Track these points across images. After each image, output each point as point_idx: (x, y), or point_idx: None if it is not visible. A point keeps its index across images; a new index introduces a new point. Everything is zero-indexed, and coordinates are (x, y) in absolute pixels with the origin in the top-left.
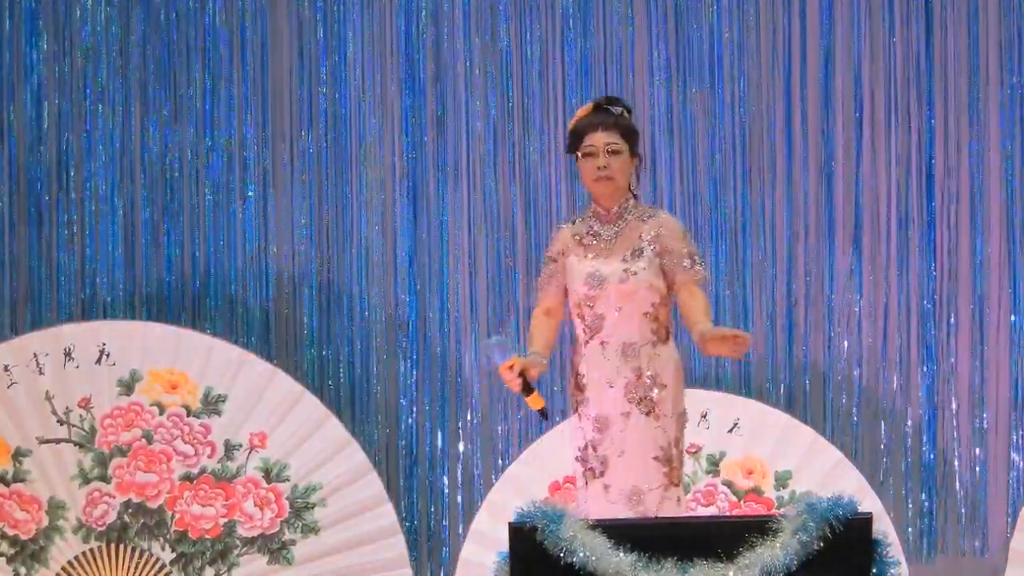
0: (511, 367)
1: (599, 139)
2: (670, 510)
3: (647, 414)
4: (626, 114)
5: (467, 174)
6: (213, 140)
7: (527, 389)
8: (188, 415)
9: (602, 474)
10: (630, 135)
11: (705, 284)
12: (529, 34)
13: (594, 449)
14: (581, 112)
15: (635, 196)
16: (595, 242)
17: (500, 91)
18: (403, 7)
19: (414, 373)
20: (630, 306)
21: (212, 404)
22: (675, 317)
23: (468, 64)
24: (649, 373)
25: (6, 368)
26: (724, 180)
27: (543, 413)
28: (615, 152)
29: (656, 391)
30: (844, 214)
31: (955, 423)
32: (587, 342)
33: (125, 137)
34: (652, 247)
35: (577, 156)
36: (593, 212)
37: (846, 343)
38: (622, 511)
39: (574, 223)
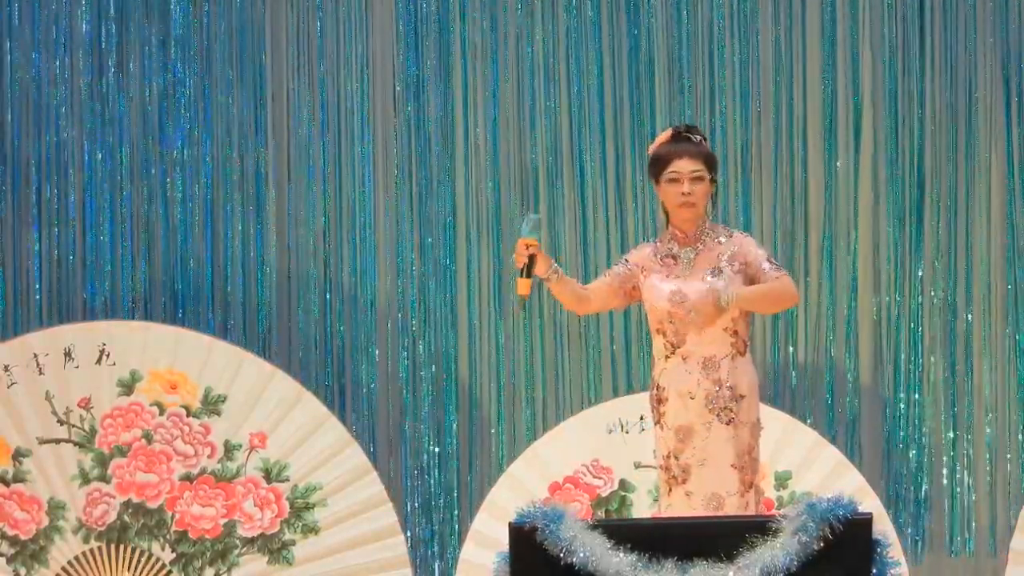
0: (528, 245)
1: (684, 166)
2: (749, 512)
3: (727, 424)
4: (705, 142)
5: (469, 173)
6: (213, 139)
7: (527, 272)
8: (188, 415)
9: (684, 481)
10: (711, 163)
11: (788, 275)
12: (529, 35)
13: (676, 458)
14: (662, 138)
15: (709, 217)
16: (674, 263)
17: (502, 92)
18: (405, 5)
19: (414, 373)
20: (712, 321)
21: (212, 404)
22: (752, 331)
23: (470, 64)
24: (729, 384)
25: (6, 368)
26: (724, 178)
27: (522, 301)
28: (698, 179)
29: (735, 402)
30: (844, 213)
31: (955, 423)
32: (668, 356)
33: (125, 136)
34: (731, 265)
35: (658, 181)
36: (671, 235)
37: (846, 343)
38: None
39: (652, 245)
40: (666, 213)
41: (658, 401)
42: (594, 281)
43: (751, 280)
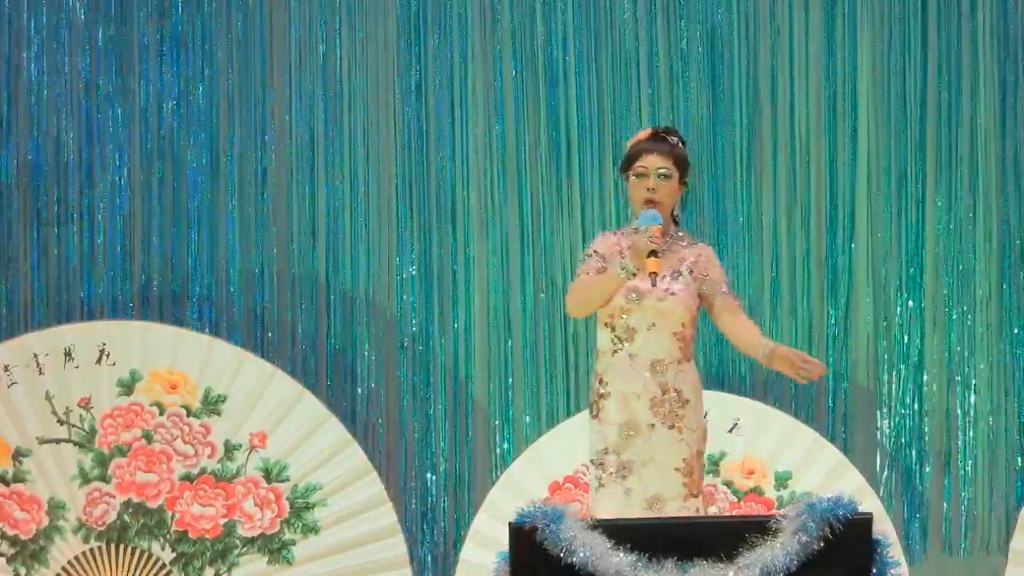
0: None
1: (652, 162)
2: None
3: (671, 427)
4: (681, 144)
5: (469, 173)
6: (213, 139)
7: (655, 253)
8: (188, 415)
9: (624, 478)
10: (682, 164)
11: (745, 308)
12: (529, 35)
13: (617, 454)
14: (639, 136)
15: (676, 222)
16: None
17: (503, 92)
18: (403, 5)
19: (414, 373)
20: (663, 324)
21: (212, 404)
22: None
23: (471, 64)
24: (675, 388)
25: (6, 368)
26: (723, 178)
27: (653, 277)
28: (665, 176)
29: (680, 406)
30: (843, 213)
31: (955, 423)
32: (615, 352)
33: (125, 137)
34: (691, 272)
35: (628, 176)
36: (634, 230)
37: (846, 343)
38: (640, 516)
39: (615, 235)
40: (633, 210)
41: (600, 395)
42: (580, 280)
43: (700, 293)
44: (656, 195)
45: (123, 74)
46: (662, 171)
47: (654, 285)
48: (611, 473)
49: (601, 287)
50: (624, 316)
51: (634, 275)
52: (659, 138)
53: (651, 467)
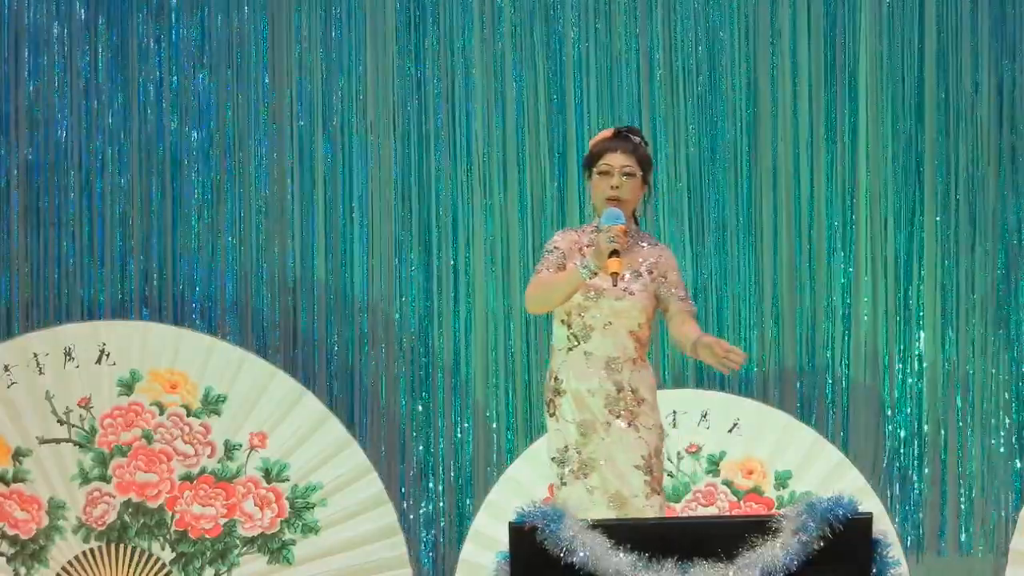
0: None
1: (616, 160)
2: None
3: (628, 425)
4: (644, 144)
5: (468, 173)
6: (213, 139)
7: (617, 253)
8: (188, 415)
9: (586, 476)
10: (645, 163)
11: (696, 316)
12: (529, 35)
13: (578, 452)
14: (601, 135)
15: (637, 222)
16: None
17: (504, 91)
18: (405, 6)
19: (414, 373)
20: (620, 323)
21: (212, 404)
22: (654, 338)
23: (472, 67)
24: (631, 387)
25: (6, 368)
26: (723, 179)
27: (614, 277)
28: (629, 175)
29: (636, 405)
30: (843, 213)
31: (955, 423)
32: (570, 349)
33: (125, 137)
34: (650, 272)
35: (591, 173)
36: (596, 228)
37: (846, 343)
38: (603, 514)
39: (576, 231)
40: (596, 209)
41: (555, 393)
42: (540, 276)
43: (657, 295)
44: (620, 192)
45: (123, 74)
46: (627, 169)
47: (615, 285)
48: (573, 471)
49: (563, 286)
50: (581, 314)
51: (595, 274)
52: (623, 137)
53: (612, 465)
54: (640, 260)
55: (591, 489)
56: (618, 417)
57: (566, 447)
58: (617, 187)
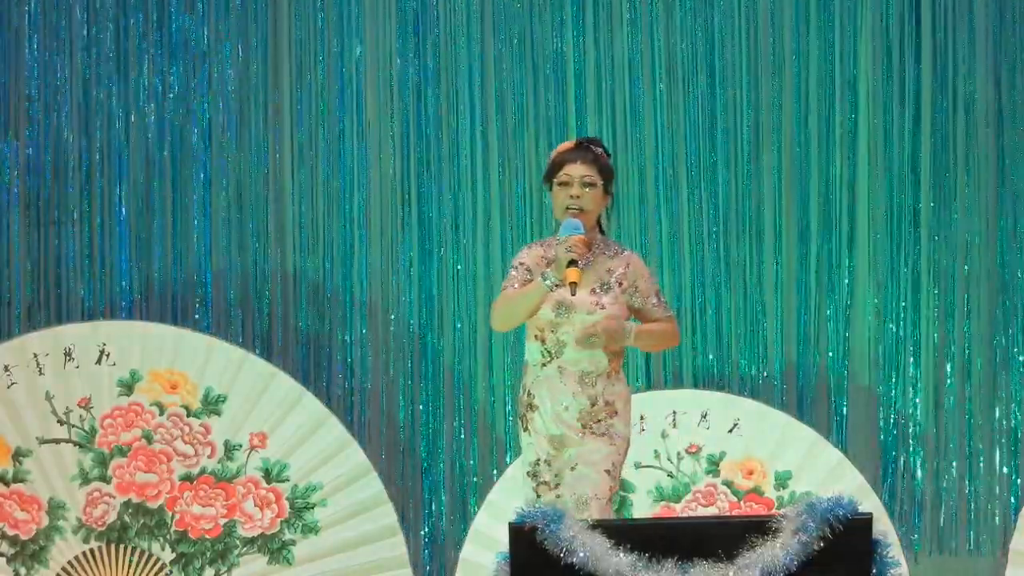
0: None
1: (576, 171)
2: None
3: (602, 435)
4: (605, 155)
5: (468, 173)
6: (214, 139)
7: (575, 263)
8: (188, 415)
9: (557, 486)
10: (606, 172)
11: (673, 320)
12: (528, 35)
13: (549, 464)
14: (562, 147)
15: (602, 232)
16: None
17: (505, 94)
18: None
19: (414, 373)
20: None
21: (212, 404)
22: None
23: (472, 65)
24: (605, 400)
25: (6, 368)
26: (724, 179)
27: (573, 287)
28: (590, 184)
29: (609, 417)
30: (843, 213)
31: (955, 422)
32: (544, 365)
33: (125, 137)
34: (620, 284)
35: (552, 185)
36: (558, 240)
37: (846, 343)
38: None
39: (541, 245)
40: (557, 219)
41: (528, 407)
42: (505, 293)
43: (629, 305)
44: (581, 202)
45: (123, 74)
46: (587, 179)
47: (573, 295)
48: (544, 483)
49: (525, 300)
50: (554, 330)
51: (558, 285)
52: (583, 148)
53: (580, 470)
54: (608, 271)
55: (560, 496)
56: (591, 430)
57: (538, 460)
58: (577, 197)
